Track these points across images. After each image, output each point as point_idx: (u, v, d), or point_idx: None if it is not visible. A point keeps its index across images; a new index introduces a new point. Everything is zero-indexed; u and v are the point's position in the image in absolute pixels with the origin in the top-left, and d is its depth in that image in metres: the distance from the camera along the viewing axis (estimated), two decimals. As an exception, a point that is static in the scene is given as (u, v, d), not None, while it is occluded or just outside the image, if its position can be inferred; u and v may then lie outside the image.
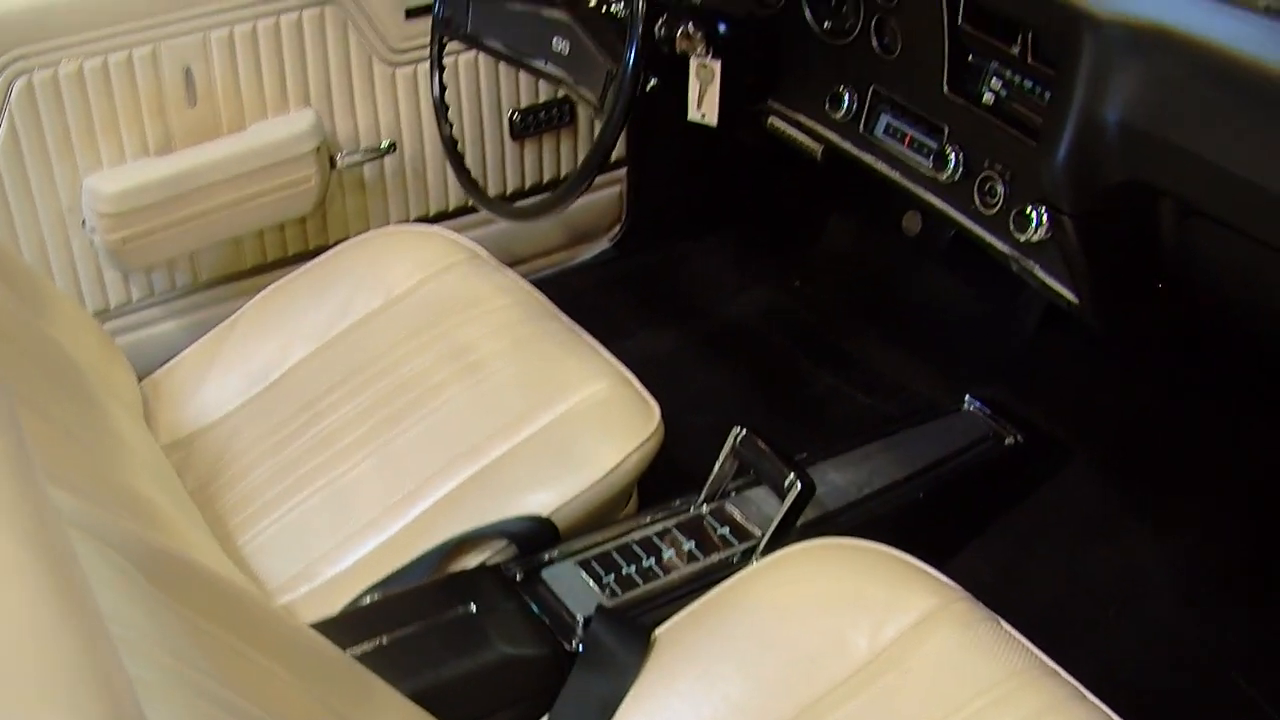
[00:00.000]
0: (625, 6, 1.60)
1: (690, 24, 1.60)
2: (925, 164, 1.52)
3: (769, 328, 2.19)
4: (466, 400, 1.49)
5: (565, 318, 1.61)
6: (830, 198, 2.26)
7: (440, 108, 1.83)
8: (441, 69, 1.82)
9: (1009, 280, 1.47)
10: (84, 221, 1.77)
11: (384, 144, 1.97)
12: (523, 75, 2.05)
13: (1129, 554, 1.72)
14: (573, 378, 1.49)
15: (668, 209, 2.32)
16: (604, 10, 1.64)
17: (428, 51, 1.90)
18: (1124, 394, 1.83)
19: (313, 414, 1.53)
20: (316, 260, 1.72)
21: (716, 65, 1.61)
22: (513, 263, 1.73)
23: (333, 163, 1.92)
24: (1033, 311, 1.93)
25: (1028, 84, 1.39)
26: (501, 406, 1.47)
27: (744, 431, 1.47)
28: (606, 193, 2.25)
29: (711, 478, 1.48)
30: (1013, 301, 1.95)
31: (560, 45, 1.64)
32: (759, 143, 1.81)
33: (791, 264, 2.28)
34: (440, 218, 2.08)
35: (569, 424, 1.45)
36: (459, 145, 1.87)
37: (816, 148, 1.70)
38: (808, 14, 1.64)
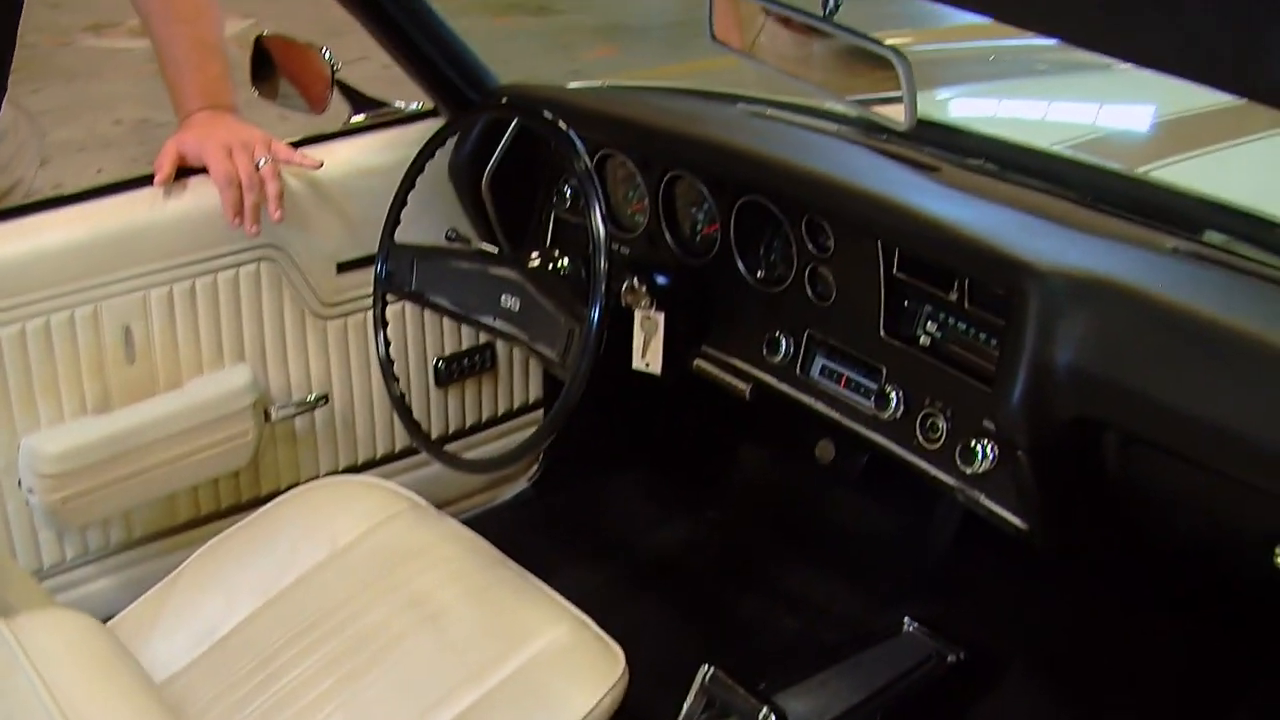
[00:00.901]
0: (572, 265, 1.68)
1: (635, 279, 1.68)
2: (865, 403, 1.59)
3: (689, 560, 2.23)
4: (430, 650, 1.50)
5: (513, 563, 1.64)
6: (743, 430, 2.34)
7: (386, 365, 1.87)
8: (385, 325, 1.87)
9: (923, 500, 1.54)
10: (20, 481, 1.75)
11: (315, 396, 2.00)
12: (446, 323, 2.11)
13: None
14: (532, 624, 1.53)
15: (582, 448, 2.36)
16: (549, 268, 1.71)
17: (358, 304, 1.96)
18: (1050, 602, 1.90)
19: (272, 670, 1.52)
20: (257, 514, 1.73)
21: (660, 317, 1.69)
22: (435, 506, 1.77)
23: (267, 416, 1.93)
24: (949, 528, 2.01)
25: (963, 326, 1.49)
26: (466, 655, 1.48)
27: (711, 669, 1.51)
28: (523, 435, 2.30)
29: (682, 716, 1.51)
30: (928, 519, 2.03)
31: (510, 302, 1.70)
32: (676, 382, 1.89)
33: (707, 495, 2.35)
34: (368, 466, 2.11)
35: (536, 670, 1.47)
36: (405, 399, 1.91)
37: (744, 388, 1.77)
38: (740, 265, 1.73)
